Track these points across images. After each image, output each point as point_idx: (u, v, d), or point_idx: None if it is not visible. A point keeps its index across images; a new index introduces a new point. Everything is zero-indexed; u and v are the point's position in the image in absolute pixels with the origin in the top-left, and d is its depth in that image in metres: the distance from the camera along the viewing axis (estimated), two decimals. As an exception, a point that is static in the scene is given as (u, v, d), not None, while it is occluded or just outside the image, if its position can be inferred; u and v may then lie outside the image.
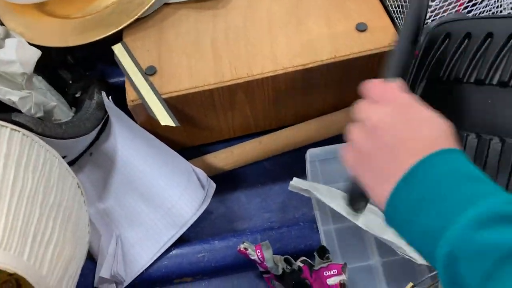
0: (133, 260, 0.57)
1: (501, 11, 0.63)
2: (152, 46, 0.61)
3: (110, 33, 0.61)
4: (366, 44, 0.58)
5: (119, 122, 0.62)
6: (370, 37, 0.58)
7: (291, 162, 0.65)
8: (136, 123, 0.60)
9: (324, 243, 0.55)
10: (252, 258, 0.52)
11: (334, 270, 0.47)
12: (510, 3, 0.61)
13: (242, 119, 0.64)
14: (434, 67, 0.52)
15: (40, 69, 0.62)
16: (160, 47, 0.61)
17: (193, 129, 0.64)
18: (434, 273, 0.50)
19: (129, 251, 0.58)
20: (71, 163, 0.65)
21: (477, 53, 0.48)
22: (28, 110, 0.55)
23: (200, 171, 0.58)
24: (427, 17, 0.59)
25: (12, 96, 0.54)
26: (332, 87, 0.61)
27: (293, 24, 0.61)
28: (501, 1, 0.62)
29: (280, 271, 0.51)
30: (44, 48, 0.60)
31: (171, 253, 0.57)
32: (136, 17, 0.62)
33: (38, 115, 0.56)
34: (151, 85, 0.57)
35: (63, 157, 0.53)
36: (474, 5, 0.61)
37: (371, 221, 0.53)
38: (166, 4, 0.65)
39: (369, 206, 0.42)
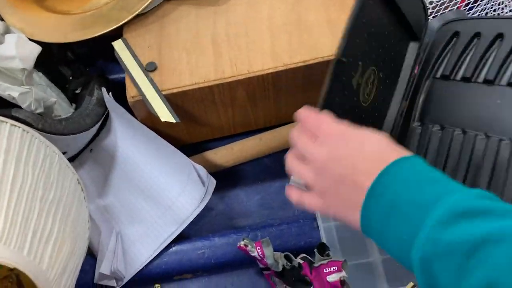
0: (133, 257, 0.57)
1: (502, 8, 0.63)
2: (152, 42, 0.61)
3: (110, 29, 0.61)
4: (367, 41, 0.57)
5: (119, 119, 0.62)
6: (371, 33, 0.58)
7: (292, 159, 0.65)
8: (137, 119, 0.60)
9: (324, 240, 0.55)
10: (253, 254, 0.52)
11: (334, 267, 0.47)
12: (512, 0, 0.61)
13: (243, 115, 0.64)
14: (441, 66, 0.51)
15: (40, 65, 0.62)
16: (160, 43, 0.61)
17: (193, 125, 0.64)
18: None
19: (129, 247, 0.58)
20: (71, 159, 0.65)
21: (486, 53, 0.48)
22: (28, 106, 0.55)
23: (200, 168, 0.58)
24: (428, 13, 0.59)
25: (12, 92, 0.54)
26: (333, 84, 0.61)
27: (293, 20, 0.61)
28: (503, -2, 0.62)
29: (280, 268, 0.51)
30: (44, 44, 0.60)
31: (171, 249, 0.57)
32: (136, 13, 0.61)
33: (38, 111, 0.56)
34: (152, 81, 0.57)
35: (63, 153, 0.53)
36: (475, 1, 0.61)
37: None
38: (167, 0, 0.65)
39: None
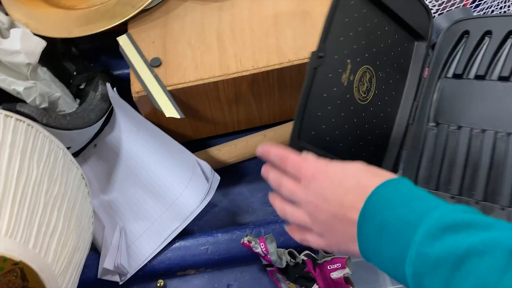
0: (136, 252, 0.57)
1: (509, 6, 0.62)
2: (157, 38, 0.61)
3: (115, 24, 0.61)
4: (373, 38, 0.57)
5: (123, 114, 0.62)
6: (377, 30, 0.58)
7: (296, 156, 0.65)
8: (141, 115, 0.60)
9: (328, 237, 0.55)
10: (256, 251, 0.52)
11: (338, 264, 0.47)
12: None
13: (247, 112, 0.64)
14: (452, 65, 0.51)
15: (45, 60, 0.62)
16: (165, 38, 0.61)
17: (197, 121, 0.63)
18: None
19: (133, 243, 0.58)
20: (75, 155, 0.65)
21: (499, 50, 0.48)
22: (33, 101, 0.55)
23: (204, 163, 0.58)
24: (434, 10, 0.59)
25: (17, 87, 0.54)
26: (338, 81, 0.61)
27: (298, 16, 0.60)
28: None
29: (284, 265, 0.51)
30: (49, 39, 0.60)
31: (174, 245, 0.57)
32: (141, 8, 0.61)
33: (43, 105, 0.56)
34: (156, 77, 0.57)
35: (67, 148, 0.53)
36: (481, -2, 0.61)
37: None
38: (172, -5, 0.65)
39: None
